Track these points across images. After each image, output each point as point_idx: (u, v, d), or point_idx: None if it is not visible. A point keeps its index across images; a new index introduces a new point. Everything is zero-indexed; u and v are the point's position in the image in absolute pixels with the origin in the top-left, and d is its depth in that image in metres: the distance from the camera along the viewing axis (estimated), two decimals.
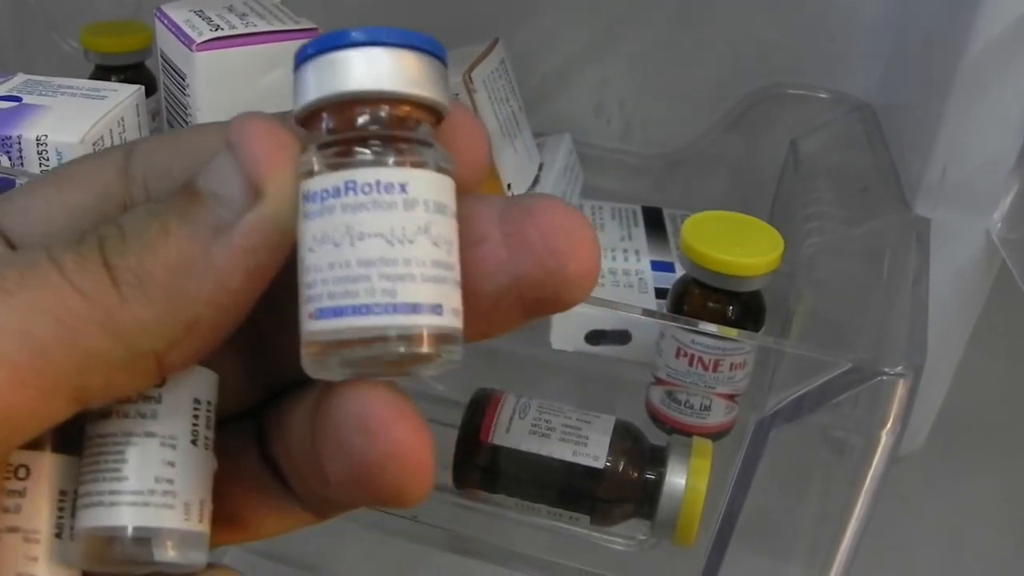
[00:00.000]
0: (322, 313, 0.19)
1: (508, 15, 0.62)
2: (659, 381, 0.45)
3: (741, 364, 0.43)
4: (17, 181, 0.41)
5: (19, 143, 0.41)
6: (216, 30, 0.43)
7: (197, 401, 0.22)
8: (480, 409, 0.43)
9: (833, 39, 0.58)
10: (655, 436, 0.44)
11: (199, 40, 0.42)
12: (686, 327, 0.41)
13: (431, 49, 0.19)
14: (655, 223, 0.58)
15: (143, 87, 0.46)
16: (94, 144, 0.42)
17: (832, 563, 0.38)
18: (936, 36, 0.49)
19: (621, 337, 0.47)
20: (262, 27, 0.44)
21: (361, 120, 0.19)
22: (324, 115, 0.19)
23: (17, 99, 0.44)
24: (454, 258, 0.19)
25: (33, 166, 0.41)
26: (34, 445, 0.21)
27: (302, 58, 0.20)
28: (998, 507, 0.54)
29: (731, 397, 0.44)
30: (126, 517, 0.20)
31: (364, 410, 0.19)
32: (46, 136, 0.41)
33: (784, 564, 0.42)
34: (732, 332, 0.38)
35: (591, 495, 0.42)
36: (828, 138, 0.56)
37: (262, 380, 0.24)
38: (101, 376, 0.19)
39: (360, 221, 0.19)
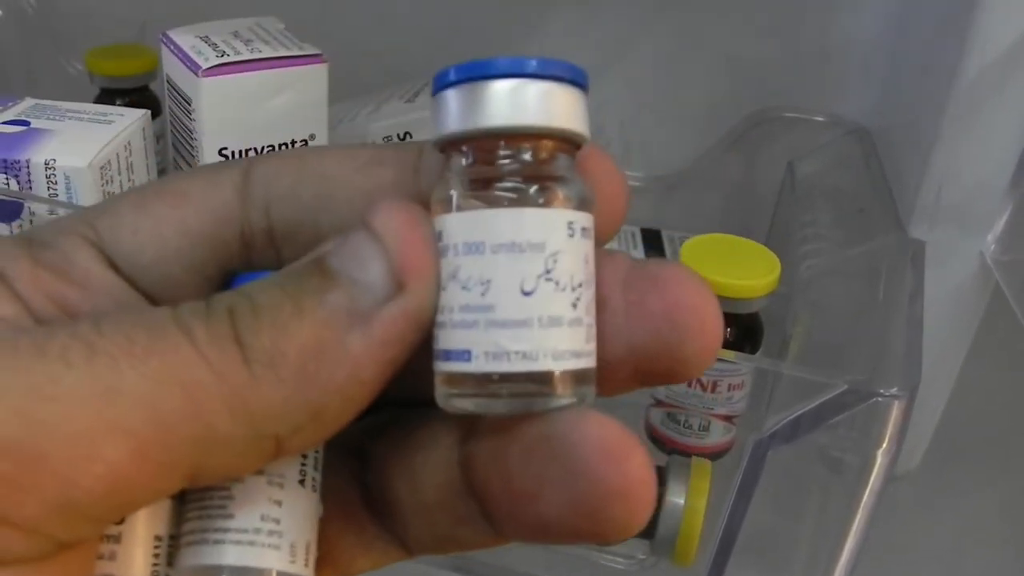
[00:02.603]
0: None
1: (507, 40, 0.63)
2: (659, 403, 0.45)
3: (739, 385, 0.44)
4: (25, 205, 0.41)
5: (27, 167, 0.42)
6: (222, 56, 0.44)
7: None
8: None
9: (829, 62, 0.59)
10: (654, 456, 0.45)
11: (205, 66, 0.43)
12: None
13: (573, 78, 0.19)
14: (654, 245, 0.58)
15: (149, 112, 0.47)
16: (101, 168, 0.42)
17: None
18: (930, 61, 0.50)
19: None
20: (267, 53, 0.45)
21: (503, 155, 0.19)
22: (464, 147, 0.19)
23: (25, 123, 0.44)
24: (588, 295, 0.19)
25: (41, 190, 0.42)
26: None
27: (444, 83, 0.19)
28: (995, 525, 0.55)
29: (728, 418, 0.45)
30: (230, 555, 0.20)
31: (605, 438, 0.18)
32: (54, 160, 0.42)
33: None
34: (730, 355, 0.39)
35: None
36: (825, 160, 0.56)
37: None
38: (220, 457, 0.18)
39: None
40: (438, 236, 0.19)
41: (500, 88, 0.18)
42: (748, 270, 0.43)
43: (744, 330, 0.44)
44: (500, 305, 0.18)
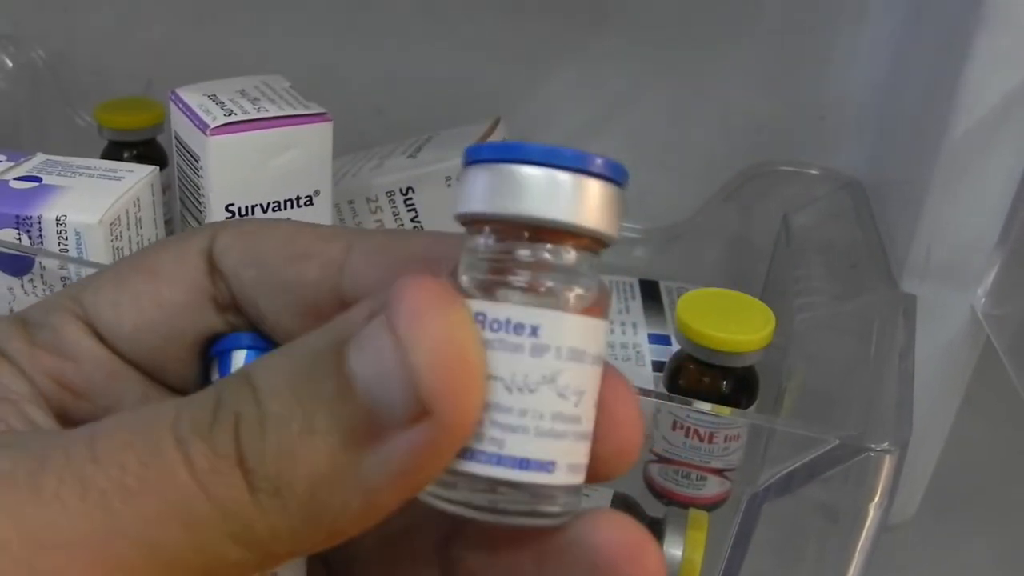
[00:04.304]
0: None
1: (508, 94, 0.64)
2: (660, 458, 0.46)
3: (735, 436, 0.45)
4: (36, 260, 0.42)
5: (39, 223, 0.43)
6: (229, 115, 0.45)
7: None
8: None
9: (824, 117, 0.60)
10: (652, 506, 0.45)
11: (213, 125, 0.44)
12: (682, 405, 0.42)
13: (612, 176, 0.18)
14: (652, 296, 0.59)
15: (157, 168, 0.48)
16: (111, 224, 0.43)
17: None
18: (920, 118, 0.51)
19: None
20: (273, 112, 0.46)
21: (522, 245, 0.18)
22: (486, 228, 0.18)
23: (37, 179, 0.45)
24: (583, 409, 0.18)
25: (52, 245, 0.43)
26: None
27: (476, 158, 0.18)
28: (991, 574, 0.55)
29: (721, 472, 0.45)
30: None
31: (625, 540, 0.19)
32: (65, 216, 0.43)
33: None
34: (726, 411, 0.39)
35: None
36: (819, 214, 0.57)
37: None
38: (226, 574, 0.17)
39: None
40: (481, 322, 0.17)
41: (533, 176, 0.17)
42: (744, 324, 0.44)
43: (740, 382, 0.45)
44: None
